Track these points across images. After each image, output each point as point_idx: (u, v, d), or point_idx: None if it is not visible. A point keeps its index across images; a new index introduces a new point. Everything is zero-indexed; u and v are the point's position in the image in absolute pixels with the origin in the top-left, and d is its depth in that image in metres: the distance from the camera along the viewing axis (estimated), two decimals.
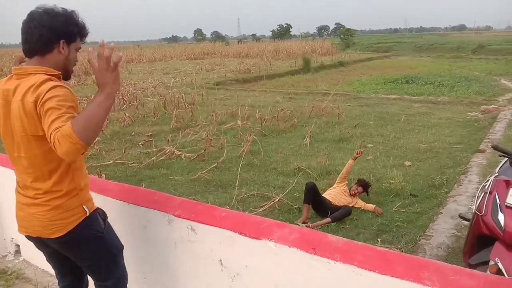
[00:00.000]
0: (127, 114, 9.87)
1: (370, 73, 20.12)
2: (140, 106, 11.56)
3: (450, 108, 11.22)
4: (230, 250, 1.84)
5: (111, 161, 6.77)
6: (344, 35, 52.60)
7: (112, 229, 2.03)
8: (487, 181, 2.88)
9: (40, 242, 1.90)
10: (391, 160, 6.52)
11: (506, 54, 29.85)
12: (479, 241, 2.64)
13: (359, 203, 4.90)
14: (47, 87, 1.60)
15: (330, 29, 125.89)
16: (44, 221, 1.76)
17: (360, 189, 4.94)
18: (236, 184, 5.36)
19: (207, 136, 7.68)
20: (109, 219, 2.36)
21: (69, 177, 1.78)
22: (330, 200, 4.80)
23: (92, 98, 1.64)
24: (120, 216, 2.27)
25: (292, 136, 8.25)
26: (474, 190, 4.91)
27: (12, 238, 3.49)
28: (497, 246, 2.42)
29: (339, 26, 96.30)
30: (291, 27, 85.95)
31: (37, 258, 1.94)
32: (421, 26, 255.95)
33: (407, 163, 6.40)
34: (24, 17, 1.73)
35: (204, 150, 7.00)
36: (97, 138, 7.86)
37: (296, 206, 4.85)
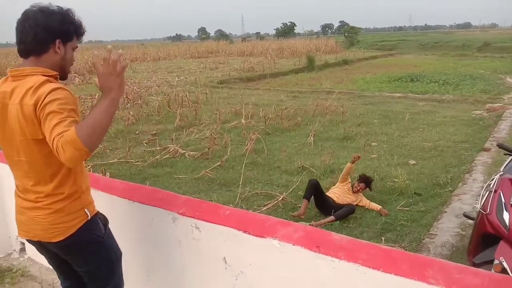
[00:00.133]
0: (131, 113, 9.90)
1: (375, 71, 20.05)
2: (144, 105, 11.59)
3: (455, 107, 11.17)
4: (234, 248, 1.85)
5: (116, 160, 6.80)
6: (348, 33, 52.44)
7: (112, 235, 2.00)
8: (492, 179, 2.88)
9: (40, 246, 1.87)
10: (396, 159, 6.50)
11: (511, 52, 29.62)
12: (483, 240, 2.63)
13: (364, 201, 4.90)
14: (47, 89, 1.55)
15: (334, 27, 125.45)
16: (46, 225, 1.73)
17: (362, 185, 4.93)
18: (240, 183, 5.37)
19: (211, 134, 7.69)
20: (114, 217, 2.37)
21: (71, 180, 1.74)
22: (334, 199, 4.80)
23: (96, 102, 1.64)
24: (124, 214, 2.28)
25: (296, 135, 8.24)
26: (478, 189, 4.89)
27: (17, 236, 3.52)
28: (502, 245, 2.41)
29: (343, 24, 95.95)
30: (295, 26, 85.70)
31: (41, 256, 1.94)
32: (426, 24, 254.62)
33: (412, 161, 6.38)
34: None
35: (208, 149, 7.02)
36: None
37: (299, 205, 4.84)
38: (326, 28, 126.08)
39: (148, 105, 11.65)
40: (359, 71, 20.92)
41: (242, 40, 63.31)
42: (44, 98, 1.53)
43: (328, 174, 5.90)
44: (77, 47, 1.79)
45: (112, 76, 1.55)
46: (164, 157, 6.84)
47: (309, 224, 4.22)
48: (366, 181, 4.98)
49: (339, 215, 4.51)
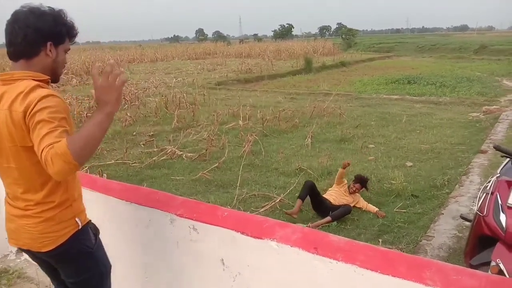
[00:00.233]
0: (128, 114, 9.89)
1: (372, 74, 20.10)
2: (141, 106, 11.59)
3: (452, 109, 11.22)
4: (232, 249, 1.85)
5: (113, 161, 6.78)
6: (346, 35, 52.56)
7: (102, 246, 1.92)
8: (489, 181, 2.89)
9: (31, 253, 1.82)
10: (393, 161, 6.52)
11: (508, 55, 29.76)
12: (480, 241, 2.64)
13: (361, 202, 4.90)
14: (37, 96, 1.48)
15: (332, 29, 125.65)
16: (35, 234, 1.67)
17: (357, 185, 4.94)
18: (237, 184, 5.37)
19: (209, 136, 7.69)
20: (111, 219, 2.37)
21: (62, 187, 1.67)
22: (331, 200, 4.80)
23: (91, 115, 1.57)
24: (122, 216, 2.28)
25: (294, 137, 8.25)
26: (475, 191, 4.91)
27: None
28: (499, 247, 2.41)
29: (341, 26, 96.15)
30: (293, 27, 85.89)
31: None
32: (423, 27, 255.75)
33: (409, 163, 6.40)
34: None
35: (206, 150, 7.01)
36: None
37: (300, 207, 4.84)
38: (323, 30, 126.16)
39: (146, 106, 11.64)
40: (356, 73, 20.98)
41: (240, 42, 63.41)
42: (34, 105, 1.47)
43: (325, 176, 5.91)
44: (69, 49, 1.73)
45: (110, 90, 1.50)
46: (162, 158, 6.84)
47: (306, 226, 4.22)
48: (361, 181, 4.98)
49: (336, 215, 4.52)
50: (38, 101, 1.47)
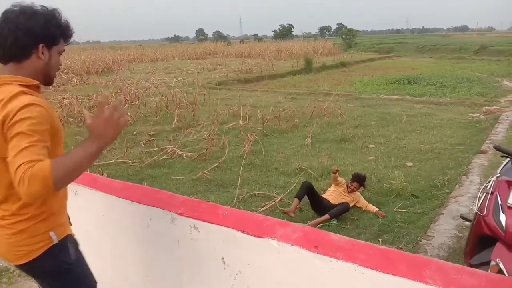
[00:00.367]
0: (129, 114, 9.89)
1: (372, 74, 20.11)
2: (142, 106, 11.59)
3: (452, 109, 11.23)
4: (232, 248, 1.85)
5: (113, 160, 6.79)
6: (346, 36, 52.57)
7: (85, 261, 1.79)
8: (489, 181, 2.89)
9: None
10: (393, 161, 6.52)
11: (508, 55, 29.78)
12: (480, 241, 2.65)
13: (361, 201, 4.90)
14: (19, 104, 1.38)
15: (332, 30, 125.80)
16: (9, 245, 1.58)
17: (355, 184, 4.93)
18: (238, 184, 5.37)
19: (209, 135, 7.70)
20: (112, 217, 2.38)
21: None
22: (330, 200, 4.81)
23: (82, 143, 1.45)
24: (123, 214, 2.28)
25: (294, 136, 8.26)
26: (475, 191, 4.92)
27: None
28: (499, 247, 2.42)
29: (341, 26, 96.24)
30: (293, 27, 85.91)
31: None
32: (423, 27, 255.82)
33: (409, 163, 6.41)
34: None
35: (206, 150, 7.02)
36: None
37: (297, 206, 4.85)
38: (324, 30, 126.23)
39: (146, 106, 11.65)
40: (356, 73, 20.99)
41: (240, 42, 63.44)
42: (14, 115, 1.36)
43: (325, 176, 5.91)
44: (64, 50, 1.64)
45: (112, 126, 1.44)
46: (162, 158, 6.84)
47: (306, 225, 4.23)
48: (358, 180, 4.97)
49: (334, 213, 4.54)
50: (19, 110, 1.37)
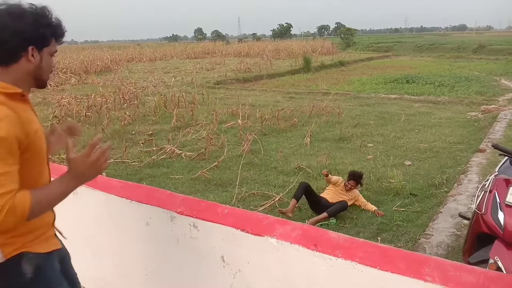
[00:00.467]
0: (127, 113, 9.89)
1: (371, 73, 20.14)
2: (140, 105, 11.58)
3: (450, 108, 11.24)
4: (232, 246, 1.86)
5: (112, 160, 6.78)
6: (344, 35, 52.70)
7: (51, 282, 1.55)
8: (487, 180, 2.90)
9: None
10: (391, 160, 6.53)
11: (506, 54, 29.87)
12: (478, 239, 2.66)
13: (360, 200, 4.90)
14: None
15: (330, 29, 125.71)
16: None
17: (352, 182, 4.91)
18: (237, 183, 5.38)
19: (208, 135, 7.70)
20: (111, 216, 2.38)
21: None
22: (328, 199, 4.81)
23: (63, 178, 1.40)
24: (122, 213, 2.29)
25: (293, 136, 8.27)
26: (474, 190, 4.93)
27: None
28: (497, 245, 2.43)
29: (339, 25, 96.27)
30: (292, 27, 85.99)
31: None
32: (421, 26, 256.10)
33: (407, 162, 6.42)
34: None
35: (205, 149, 7.02)
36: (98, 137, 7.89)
37: (296, 205, 4.87)
38: (322, 29, 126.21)
39: (145, 105, 11.64)
40: (355, 73, 21.01)
41: (239, 41, 63.43)
42: None
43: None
44: (56, 51, 1.51)
45: (95, 167, 1.41)
46: (161, 157, 6.84)
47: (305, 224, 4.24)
48: (354, 177, 4.95)
49: (332, 211, 4.55)
50: None
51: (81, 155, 1.39)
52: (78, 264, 1.83)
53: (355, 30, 57.83)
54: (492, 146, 3.22)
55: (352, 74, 20.17)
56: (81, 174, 1.40)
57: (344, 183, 4.98)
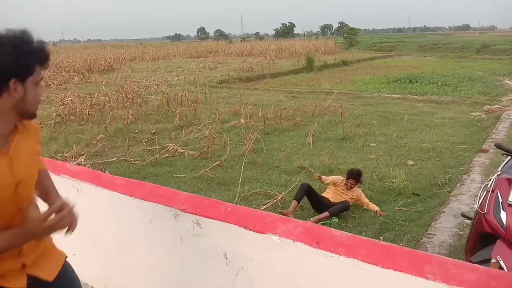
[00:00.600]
0: (130, 112, 9.91)
1: (374, 73, 20.11)
2: (143, 104, 11.60)
3: (454, 108, 11.22)
4: (235, 244, 1.87)
5: (115, 158, 6.81)
6: (347, 34, 52.55)
7: None
8: (490, 179, 2.90)
9: None
10: (394, 159, 6.53)
11: (510, 54, 29.73)
12: (481, 239, 2.66)
13: (362, 199, 4.89)
14: None
15: (333, 28, 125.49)
16: None
17: (351, 180, 4.86)
18: (239, 182, 5.39)
19: (210, 134, 7.71)
20: (115, 214, 2.40)
21: None
22: (330, 198, 4.81)
23: (13, 231, 1.34)
24: (126, 211, 2.30)
25: (295, 135, 8.27)
26: (476, 190, 4.92)
27: None
28: (499, 244, 2.43)
29: (342, 25, 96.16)
30: (295, 26, 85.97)
31: None
32: (425, 26, 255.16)
33: (410, 162, 6.41)
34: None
35: (207, 148, 7.03)
36: (101, 135, 7.97)
37: (298, 204, 4.87)
38: (325, 29, 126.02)
39: (147, 104, 11.67)
40: (358, 72, 20.98)
41: (241, 40, 63.41)
42: None
43: (326, 174, 5.90)
44: (42, 78, 1.34)
45: (49, 231, 1.35)
46: (163, 156, 6.86)
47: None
48: (353, 176, 4.90)
49: (333, 211, 4.55)
50: None
51: (39, 217, 1.31)
52: (82, 261, 1.84)
53: (358, 29, 57.72)
54: (495, 145, 3.22)
55: (355, 74, 20.15)
56: (32, 234, 1.33)
57: (344, 182, 4.97)
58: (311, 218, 4.47)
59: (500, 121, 8.99)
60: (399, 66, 23.73)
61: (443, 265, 1.41)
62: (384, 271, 1.46)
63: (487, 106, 10.74)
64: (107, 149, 7.42)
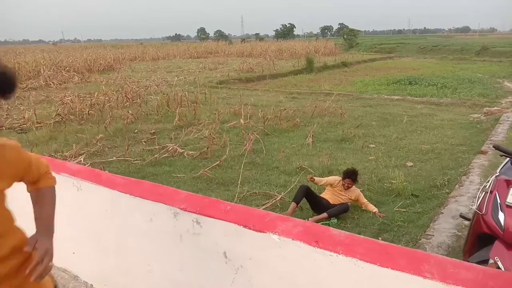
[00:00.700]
0: (130, 112, 9.92)
1: (373, 74, 20.14)
2: (143, 104, 11.61)
3: (453, 110, 11.24)
4: (234, 243, 1.88)
5: (114, 158, 6.82)
6: (347, 36, 52.59)
7: None
8: (488, 181, 2.91)
9: None
10: (393, 161, 6.54)
11: (510, 57, 29.81)
12: (479, 240, 2.66)
13: (361, 199, 4.88)
14: None
15: (333, 30, 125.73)
16: None
17: (347, 180, 4.85)
18: (239, 182, 5.40)
19: (210, 134, 7.72)
20: (115, 212, 2.40)
21: None
22: (329, 199, 4.82)
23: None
24: (126, 209, 2.31)
25: (295, 136, 8.28)
26: (475, 191, 4.93)
27: None
28: (497, 245, 2.44)
29: (342, 26, 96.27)
30: (295, 27, 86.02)
31: None
32: (424, 28, 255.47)
33: (409, 163, 6.43)
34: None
35: (207, 148, 7.04)
36: (100, 135, 7.97)
37: (297, 206, 4.88)
38: (325, 30, 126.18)
39: (147, 104, 11.68)
40: (358, 74, 21.00)
41: (242, 41, 63.46)
42: None
43: (326, 175, 5.92)
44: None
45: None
46: (163, 156, 6.87)
47: None
48: (349, 175, 4.88)
49: (332, 212, 4.56)
50: None
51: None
52: (82, 259, 1.85)
53: (358, 31, 57.77)
54: (493, 147, 3.23)
55: (354, 75, 20.17)
56: None
57: (341, 182, 4.97)
58: (309, 219, 4.48)
59: (499, 123, 9.00)
60: (399, 67, 23.76)
61: (441, 264, 1.42)
62: (382, 270, 1.47)
63: (487, 108, 10.75)
64: (106, 148, 7.43)
